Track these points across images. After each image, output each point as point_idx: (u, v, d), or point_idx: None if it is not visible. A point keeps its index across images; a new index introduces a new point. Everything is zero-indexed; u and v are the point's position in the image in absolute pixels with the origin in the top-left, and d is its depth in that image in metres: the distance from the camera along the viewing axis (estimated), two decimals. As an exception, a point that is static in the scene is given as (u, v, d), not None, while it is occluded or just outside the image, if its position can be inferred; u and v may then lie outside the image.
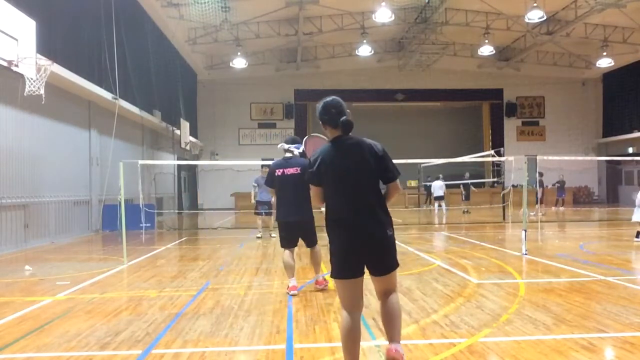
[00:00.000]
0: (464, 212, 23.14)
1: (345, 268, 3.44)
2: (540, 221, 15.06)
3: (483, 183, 26.97)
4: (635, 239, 11.37)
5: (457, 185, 24.00)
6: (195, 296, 6.45)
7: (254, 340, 4.61)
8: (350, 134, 3.57)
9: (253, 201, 13.71)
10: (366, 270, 3.54)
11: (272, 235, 13.70)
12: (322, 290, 6.58)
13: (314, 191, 3.63)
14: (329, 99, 3.64)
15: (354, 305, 3.46)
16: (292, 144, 6.45)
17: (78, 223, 15.32)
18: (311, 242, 6.62)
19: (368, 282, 3.57)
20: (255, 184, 13.54)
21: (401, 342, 3.83)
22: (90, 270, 8.69)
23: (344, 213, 3.45)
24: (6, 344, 4.57)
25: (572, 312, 5.33)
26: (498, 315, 5.26)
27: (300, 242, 6.69)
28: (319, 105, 3.65)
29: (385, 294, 3.55)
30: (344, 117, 3.50)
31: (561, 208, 25.00)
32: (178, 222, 21.04)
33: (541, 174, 21.23)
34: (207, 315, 5.50)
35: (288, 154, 6.48)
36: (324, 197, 3.58)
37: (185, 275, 8.10)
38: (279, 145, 6.53)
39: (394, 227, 3.57)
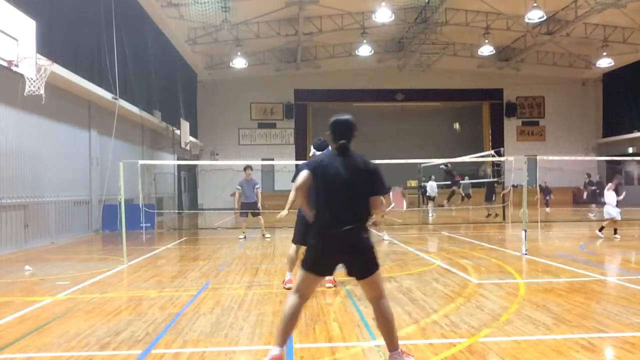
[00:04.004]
0: (487, 215, 20.68)
1: (318, 265, 3.79)
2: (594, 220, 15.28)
3: (483, 183, 26.99)
4: (598, 233, 12.52)
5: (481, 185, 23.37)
6: (195, 296, 6.45)
7: (254, 340, 4.61)
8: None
9: (236, 205, 13.56)
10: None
11: (266, 235, 13.65)
12: (329, 288, 6.58)
13: (305, 177, 3.82)
14: (342, 118, 3.93)
15: (305, 293, 3.85)
16: (323, 149, 6.47)
17: (78, 223, 15.31)
18: None
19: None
20: (239, 187, 13.37)
21: (401, 342, 3.84)
22: (90, 270, 8.69)
23: (328, 217, 3.72)
24: (6, 344, 4.57)
25: (572, 312, 5.33)
26: (498, 315, 5.26)
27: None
28: (333, 118, 3.95)
29: (375, 301, 3.80)
30: (342, 141, 3.82)
31: (547, 209, 24.46)
32: (178, 222, 21.04)
33: (589, 175, 21.20)
34: (207, 315, 5.50)
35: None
36: (314, 200, 3.84)
37: (185, 275, 8.10)
38: (310, 153, 6.61)
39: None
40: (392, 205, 7.12)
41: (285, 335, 3.76)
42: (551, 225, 16.79)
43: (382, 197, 3.87)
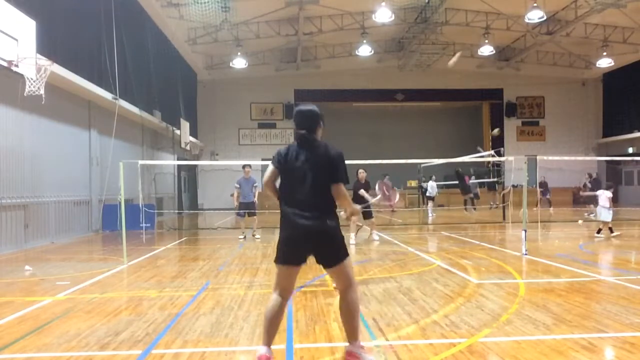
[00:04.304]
0: (490, 207, 23.78)
1: (287, 256, 3.80)
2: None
3: (483, 183, 27.02)
4: (597, 235, 12.51)
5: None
6: (195, 296, 6.45)
7: (254, 340, 4.61)
8: (318, 137, 3.91)
9: (236, 203, 13.53)
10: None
11: (256, 236, 13.53)
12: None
13: (270, 172, 3.93)
14: (304, 108, 3.97)
15: (284, 289, 3.84)
16: None
17: (78, 223, 15.31)
18: None
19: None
20: (238, 185, 13.33)
21: (401, 342, 3.83)
22: (90, 270, 8.69)
23: (291, 205, 3.77)
24: (6, 344, 4.57)
25: (572, 312, 5.33)
26: (498, 315, 5.26)
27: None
28: (297, 107, 4.00)
29: (342, 290, 3.85)
30: (302, 131, 3.84)
31: (551, 209, 24.49)
32: (178, 222, 21.04)
33: (590, 175, 21.33)
34: (207, 315, 5.50)
35: None
36: (279, 189, 3.90)
37: (185, 275, 8.10)
38: None
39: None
40: (379, 196, 7.02)
41: (269, 334, 3.76)
42: (550, 225, 16.79)
43: (343, 186, 3.81)
